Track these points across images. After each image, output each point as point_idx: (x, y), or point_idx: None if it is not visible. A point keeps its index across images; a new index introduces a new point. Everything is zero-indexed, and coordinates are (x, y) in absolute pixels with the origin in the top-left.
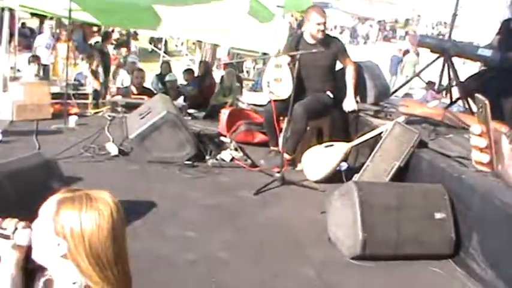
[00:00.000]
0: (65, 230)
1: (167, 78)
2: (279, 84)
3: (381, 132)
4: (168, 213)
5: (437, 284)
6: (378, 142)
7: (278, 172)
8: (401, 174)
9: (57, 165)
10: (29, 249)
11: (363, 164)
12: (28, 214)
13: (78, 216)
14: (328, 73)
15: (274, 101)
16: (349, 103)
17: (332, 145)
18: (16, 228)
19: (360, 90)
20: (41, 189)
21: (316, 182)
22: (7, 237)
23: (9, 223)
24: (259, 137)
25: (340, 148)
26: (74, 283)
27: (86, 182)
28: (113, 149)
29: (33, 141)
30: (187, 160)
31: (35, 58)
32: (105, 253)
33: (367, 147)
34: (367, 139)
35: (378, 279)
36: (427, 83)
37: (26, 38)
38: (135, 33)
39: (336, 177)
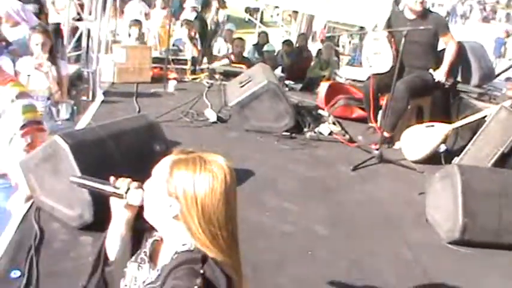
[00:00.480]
0: (178, 191)
1: (265, 48)
2: (378, 57)
3: (485, 116)
4: (266, 183)
5: None
6: (480, 126)
7: (376, 149)
8: (504, 161)
9: (161, 128)
10: (139, 210)
11: (462, 147)
12: (131, 175)
13: (192, 178)
14: (429, 50)
15: (374, 76)
16: (439, 74)
17: (433, 125)
18: (129, 188)
19: (464, 71)
20: (144, 150)
21: (414, 162)
22: (120, 196)
23: (123, 183)
24: (358, 113)
25: (441, 129)
26: (184, 245)
27: (184, 147)
28: (211, 115)
29: (133, 103)
30: (285, 131)
31: (136, 22)
32: (217, 216)
33: (467, 130)
34: (470, 122)
35: (475, 267)
36: None
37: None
38: (223, 1)
39: (434, 159)
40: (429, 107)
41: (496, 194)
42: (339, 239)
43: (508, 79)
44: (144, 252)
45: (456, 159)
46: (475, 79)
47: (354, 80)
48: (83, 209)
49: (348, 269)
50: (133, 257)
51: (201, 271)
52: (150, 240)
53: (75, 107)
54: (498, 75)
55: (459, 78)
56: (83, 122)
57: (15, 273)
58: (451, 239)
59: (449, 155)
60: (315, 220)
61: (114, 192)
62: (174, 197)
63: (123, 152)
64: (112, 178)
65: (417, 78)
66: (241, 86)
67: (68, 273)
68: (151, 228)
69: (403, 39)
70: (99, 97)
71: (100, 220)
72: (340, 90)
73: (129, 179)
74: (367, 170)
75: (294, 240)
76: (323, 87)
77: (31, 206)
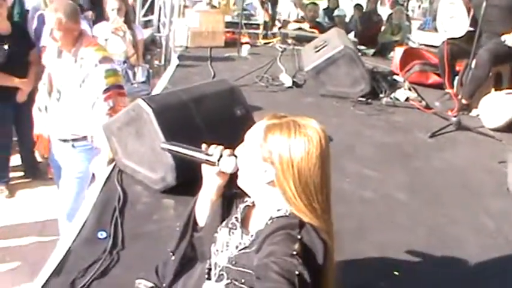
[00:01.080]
0: (273, 156)
1: (336, 12)
2: (453, 21)
3: None
4: (344, 148)
5: None
6: None
7: (454, 116)
8: None
9: (241, 93)
10: (230, 177)
11: None
12: (214, 139)
13: (287, 141)
14: (509, 15)
15: (448, 41)
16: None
17: None
18: (221, 156)
19: None
20: (225, 115)
21: (492, 129)
22: (213, 163)
23: (215, 150)
24: (433, 79)
25: None
26: (279, 210)
27: (263, 112)
28: (286, 80)
29: (208, 67)
30: (361, 97)
31: None
32: (313, 180)
33: None
34: None
35: None
36: None
37: None
38: None
39: None
40: (508, 73)
41: None
42: (419, 206)
43: None
44: (236, 217)
45: None
46: None
47: (427, 45)
48: (165, 172)
49: (428, 236)
50: (224, 223)
51: (299, 236)
52: (241, 206)
53: (150, 71)
54: None
55: None
56: (160, 86)
57: (102, 234)
58: None
59: None
60: (395, 187)
61: (207, 160)
62: (269, 162)
63: (205, 116)
64: (204, 145)
65: (499, 45)
66: (317, 51)
67: (152, 235)
68: (243, 194)
69: (484, 3)
70: (174, 61)
71: (182, 184)
72: (415, 55)
73: (221, 146)
74: (445, 137)
75: (374, 207)
76: (398, 53)
77: (113, 168)
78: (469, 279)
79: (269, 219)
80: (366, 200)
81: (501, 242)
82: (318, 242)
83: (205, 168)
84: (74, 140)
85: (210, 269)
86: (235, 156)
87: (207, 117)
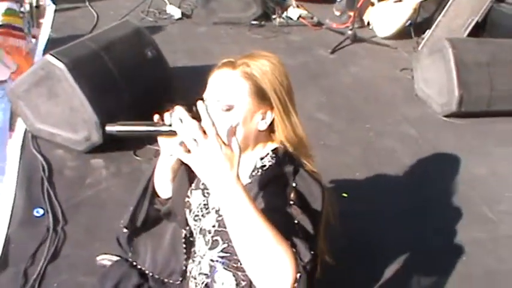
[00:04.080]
0: (269, 93)
1: None
2: None
3: None
4: None
5: None
6: None
7: (350, 29)
8: (478, 30)
9: (147, 33)
10: None
11: (427, 18)
12: (129, 85)
13: (274, 78)
14: None
15: None
16: None
17: (400, 0)
18: (182, 121)
19: None
20: (137, 58)
21: (384, 38)
22: (173, 134)
23: (173, 117)
24: None
25: (410, 3)
26: (264, 157)
27: (162, 49)
28: (175, 11)
29: (88, 9)
30: (254, 20)
31: None
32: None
33: (433, 3)
34: None
35: (472, 137)
36: None
37: None
38: None
39: (403, 34)
40: None
41: (486, 63)
42: (344, 124)
43: None
44: None
45: (428, 32)
46: None
47: None
48: (89, 131)
49: (362, 153)
50: (194, 184)
51: (294, 184)
52: None
53: (29, 21)
54: None
55: None
56: (43, 36)
57: (38, 212)
58: (448, 112)
59: (417, 28)
60: (315, 108)
61: (166, 131)
62: (268, 107)
63: (117, 63)
64: (156, 116)
65: None
66: None
67: (91, 202)
68: None
69: None
70: (50, 6)
71: (109, 140)
72: None
73: (180, 111)
74: (345, 51)
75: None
76: None
77: (25, 135)
78: (408, 190)
79: (254, 170)
80: None
81: (427, 148)
82: (314, 187)
83: (162, 140)
84: None
85: (188, 236)
86: (198, 115)
87: (119, 65)
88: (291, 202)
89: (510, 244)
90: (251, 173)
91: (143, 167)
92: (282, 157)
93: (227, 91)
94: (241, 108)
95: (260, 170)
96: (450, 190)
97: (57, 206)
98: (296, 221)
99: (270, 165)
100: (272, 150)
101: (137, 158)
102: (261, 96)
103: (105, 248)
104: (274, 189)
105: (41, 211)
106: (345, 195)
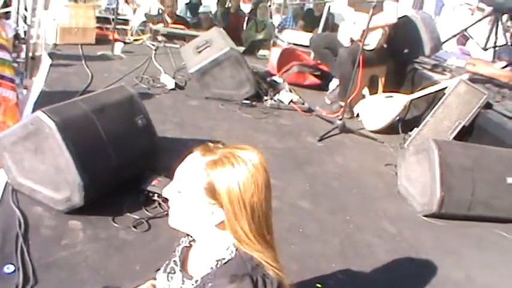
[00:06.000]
0: (220, 197)
1: (201, 9)
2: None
3: (444, 88)
4: None
5: (504, 247)
6: (436, 98)
7: (340, 119)
8: (464, 134)
9: (140, 101)
10: None
11: (417, 116)
12: (117, 151)
13: (234, 179)
14: None
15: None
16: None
17: (391, 96)
18: None
19: (415, 42)
20: (127, 125)
21: (372, 131)
22: None
23: None
24: (310, 80)
25: (400, 100)
26: (226, 250)
27: (152, 117)
28: (168, 81)
29: (83, 66)
30: (246, 99)
31: None
32: (263, 212)
33: (423, 101)
34: (428, 93)
35: (452, 239)
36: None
37: None
38: None
39: (391, 128)
40: (384, 76)
41: (469, 168)
42: (324, 214)
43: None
44: (174, 261)
45: (415, 130)
46: (426, 50)
47: (296, 44)
48: (71, 192)
49: (340, 245)
50: (162, 268)
51: (254, 278)
52: (178, 248)
53: (24, 72)
54: (443, 43)
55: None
56: (36, 88)
57: (8, 268)
58: (428, 212)
59: (405, 125)
60: (297, 195)
61: None
62: (217, 204)
63: (107, 128)
64: None
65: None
66: (199, 52)
67: (64, 264)
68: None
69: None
70: (46, 60)
71: (90, 203)
72: (292, 56)
73: None
74: (332, 140)
75: (283, 217)
76: (275, 53)
77: (5, 188)
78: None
79: (215, 263)
80: (274, 210)
81: (405, 246)
82: (274, 283)
83: None
84: None
85: None
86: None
87: (109, 129)
88: None
89: None
90: (211, 266)
91: (120, 234)
92: (241, 255)
93: (184, 175)
94: (189, 196)
95: (220, 263)
96: None
97: (29, 264)
98: None
99: (229, 260)
100: (233, 244)
101: (115, 224)
102: (212, 193)
103: None
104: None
105: (12, 267)
106: (319, 285)
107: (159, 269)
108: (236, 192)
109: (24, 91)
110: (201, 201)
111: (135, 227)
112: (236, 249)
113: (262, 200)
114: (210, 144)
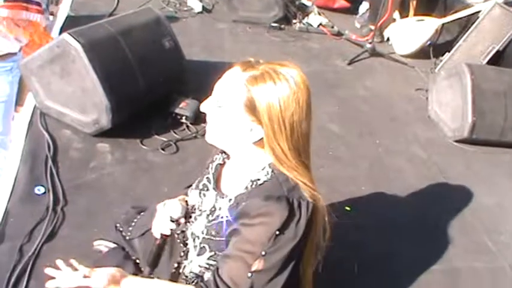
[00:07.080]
0: (260, 114)
1: None
2: None
3: (477, 12)
4: None
5: None
6: (470, 21)
7: (370, 43)
8: (498, 59)
9: (168, 23)
10: None
11: (449, 41)
12: (144, 73)
13: (275, 96)
14: None
15: None
16: None
17: (423, 20)
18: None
19: None
20: (155, 47)
21: (403, 55)
22: None
23: None
24: (340, 3)
25: (432, 24)
26: (261, 170)
27: (179, 41)
28: (196, 4)
29: None
30: (274, 22)
31: None
32: (302, 133)
33: (456, 25)
34: (461, 17)
35: (482, 166)
36: None
37: None
38: None
39: (421, 53)
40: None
41: (502, 93)
42: (354, 137)
43: None
44: (207, 178)
45: (447, 55)
46: None
47: None
48: (99, 114)
49: (369, 169)
50: (194, 185)
51: (290, 200)
52: (212, 165)
53: None
54: None
55: None
56: (62, 14)
57: (39, 190)
58: (459, 138)
59: (436, 49)
60: (327, 118)
61: None
62: (257, 121)
63: (134, 49)
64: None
65: None
66: None
67: (93, 186)
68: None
69: None
70: None
71: (117, 126)
72: None
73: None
74: (362, 64)
75: (312, 139)
76: None
77: (34, 111)
78: (411, 210)
79: (250, 183)
80: None
81: (434, 171)
82: (305, 205)
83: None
84: None
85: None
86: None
87: (136, 51)
88: (263, 253)
89: (505, 275)
90: (246, 185)
91: (149, 156)
92: (276, 176)
93: (224, 89)
94: (229, 111)
95: (255, 184)
96: (453, 215)
97: (58, 185)
98: (250, 274)
99: (264, 181)
100: (269, 165)
101: (143, 147)
102: (252, 109)
103: (102, 233)
104: (267, 206)
105: (42, 189)
106: (348, 208)
107: (190, 186)
108: (276, 110)
109: (51, 17)
110: (240, 117)
111: (163, 149)
112: (272, 171)
113: (302, 119)
114: (251, 59)
